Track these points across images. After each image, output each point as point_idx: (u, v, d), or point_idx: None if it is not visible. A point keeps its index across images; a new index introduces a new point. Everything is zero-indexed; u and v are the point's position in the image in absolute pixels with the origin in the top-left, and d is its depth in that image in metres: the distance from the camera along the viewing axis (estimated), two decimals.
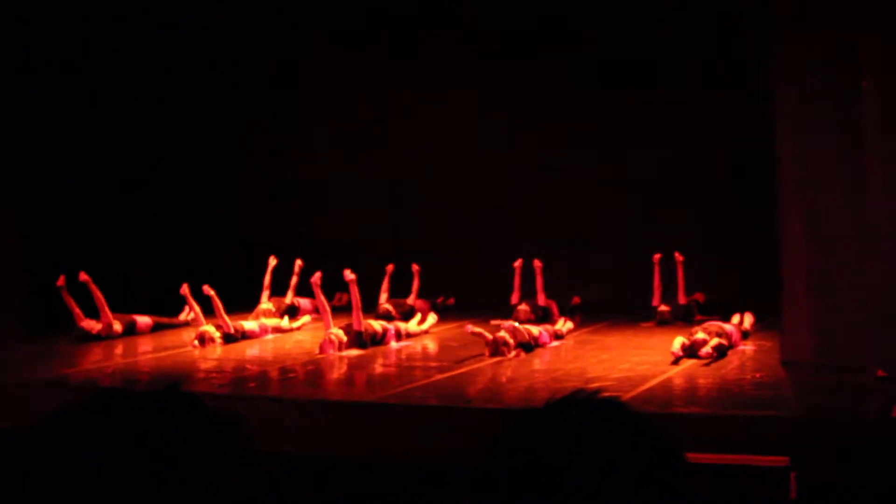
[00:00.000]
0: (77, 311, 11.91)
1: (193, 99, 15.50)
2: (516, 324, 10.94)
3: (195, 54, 15.51)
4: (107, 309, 11.99)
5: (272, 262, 13.36)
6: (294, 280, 13.39)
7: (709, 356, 9.90)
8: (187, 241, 14.82)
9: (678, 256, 12.66)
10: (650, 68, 14.40)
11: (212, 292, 11.75)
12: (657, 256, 12.83)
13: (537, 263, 13.08)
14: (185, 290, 11.99)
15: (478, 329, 10.55)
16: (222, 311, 11.68)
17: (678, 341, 10.03)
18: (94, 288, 11.96)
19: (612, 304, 13.30)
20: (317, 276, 11.49)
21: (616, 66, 14.51)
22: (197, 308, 11.96)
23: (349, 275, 11.41)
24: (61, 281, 11.90)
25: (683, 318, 12.18)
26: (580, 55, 14.58)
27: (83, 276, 11.92)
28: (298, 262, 13.35)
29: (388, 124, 15.74)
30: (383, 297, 13.29)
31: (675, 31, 14.25)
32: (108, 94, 14.23)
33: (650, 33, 14.38)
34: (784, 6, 9.62)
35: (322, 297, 11.35)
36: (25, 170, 13.10)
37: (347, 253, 14.16)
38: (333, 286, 12.77)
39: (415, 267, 13.62)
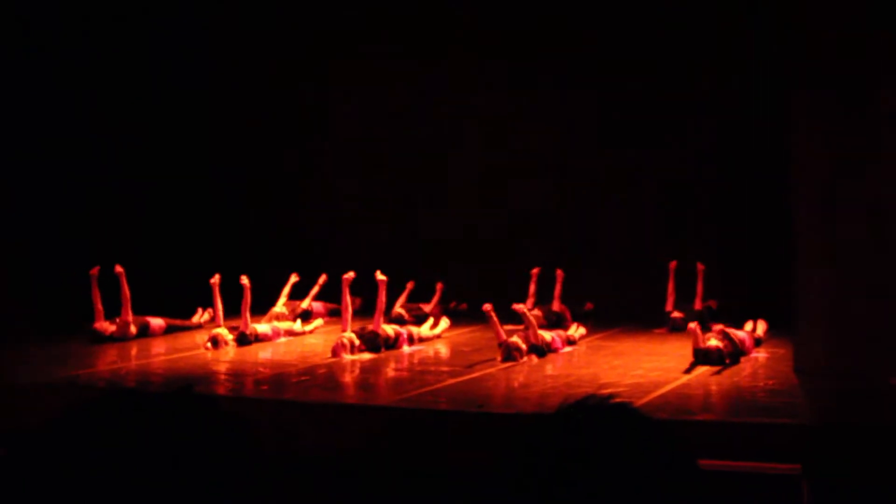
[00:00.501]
0: (99, 307, 11.90)
1: (193, 99, 15.50)
2: (524, 309, 10.91)
3: (195, 54, 15.53)
4: (129, 307, 12.01)
5: (293, 278, 13.33)
6: (315, 290, 13.44)
7: (716, 349, 9.90)
8: (188, 243, 14.86)
9: (700, 266, 12.62)
10: (655, 69, 14.39)
11: (246, 283, 11.76)
12: (673, 264, 12.80)
13: (559, 273, 13.03)
14: (215, 279, 11.98)
15: (495, 317, 10.54)
16: (248, 306, 11.69)
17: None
18: (124, 283, 11.97)
19: (624, 311, 13.27)
20: (350, 275, 11.50)
21: (619, 67, 14.51)
22: (219, 303, 11.93)
23: (380, 276, 11.43)
24: (95, 270, 11.89)
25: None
26: (581, 55, 14.58)
27: (118, 269, 11.93)
28: (323, 277, 13.41)
29: (390, 126, 15.73)
30: (398, 304, 13.31)
31: (694, 35, 14.23)
32: (108, 94, 14.26)
33: (670, 36, 14.36)
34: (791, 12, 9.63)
35: (348, 297, 11.36)
36: (26, 170, 13.16)
37: (352, 257, 14.21)
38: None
39: (439, 285, 13.60)
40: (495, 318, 10.58)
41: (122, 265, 12.10)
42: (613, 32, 14.60)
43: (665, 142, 14.50)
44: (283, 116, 16.07)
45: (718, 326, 10.19)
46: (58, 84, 13.64)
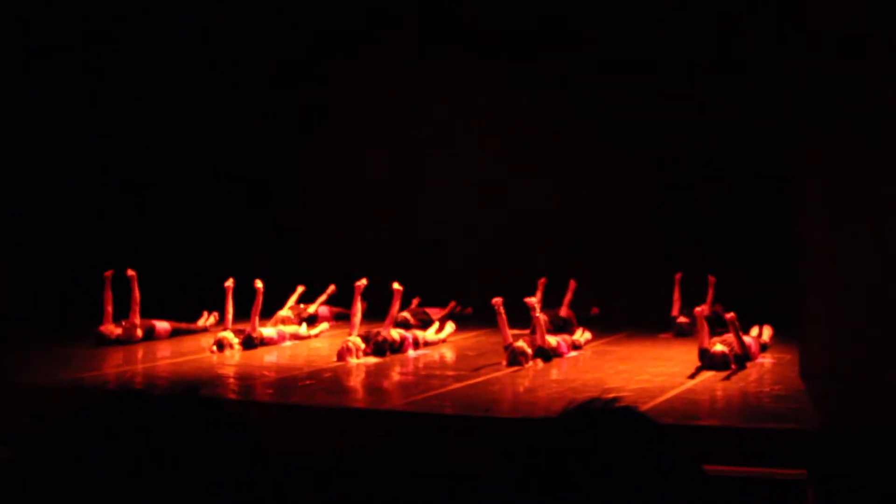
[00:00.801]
0: (109, 309, 11.89)
1: (193, 99, 15.48)
2: (535, 304, 10.89)
3: (195, 54, 15.51)
4: (138, 311, 12.01)
5: (300, 289, 13.34)
6: (323, 298, 13.45)
7: (721, 354, 9.88)
8: (188, 244, 14.84)
9: (711, 278, 12.54)
10: (655, 69, 14.38)
11: (259, 286, 11.77)
12: (678, 275, 12.76)
13: (572, 283, 12.90)
14: (229, 283, 11.98)
15: (504, 314, 10.50)
16: (258, 310, 11.71)
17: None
18: (135, 287, 11.98)
19: (630, 315, 13.24)
20: (363, 282, 11.52)
21: (619, 67, 14.50)
22: (231, 307, 11.92)
23: (396, 286, 11.45)
24: (110, 273, 11.89)
25: None
26: (581, 55, 14.57)
27: (130, 272, 11.94)
28: (332, 287, 13.42)
29: (390, 126, 15.71)
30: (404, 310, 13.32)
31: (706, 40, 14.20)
32: (108, 94, 14.24)
33: (670, 36, 14.34)
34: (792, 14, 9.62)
35: (358, 303, 11.37)
36: (26, 170, 13.15)
37: (352, 257, 14.18)
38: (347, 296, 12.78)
39: (452, 303, 13.56)
40: (504, 316, 10.56)
41: (121, 266, 12.08)
42: (613, 32, 14.59)
43: (665, 142, 14.48)
44: (283, 116, 16.05)
45: (731, 315, 10.15)
46: (58, 84, 13.63)
